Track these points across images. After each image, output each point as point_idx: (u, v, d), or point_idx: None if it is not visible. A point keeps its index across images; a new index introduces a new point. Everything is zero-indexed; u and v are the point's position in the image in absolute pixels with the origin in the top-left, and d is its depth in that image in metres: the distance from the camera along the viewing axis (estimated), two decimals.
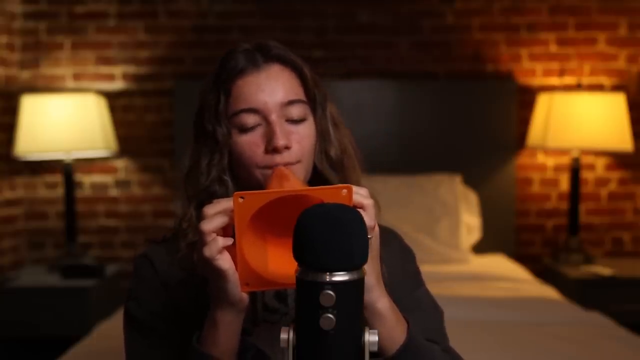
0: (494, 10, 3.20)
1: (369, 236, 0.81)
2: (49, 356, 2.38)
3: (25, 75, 3.17)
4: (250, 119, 1.03)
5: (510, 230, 3.19)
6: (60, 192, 3.15)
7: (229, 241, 0.83)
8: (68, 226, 2.96)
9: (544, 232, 3.27)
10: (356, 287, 0.71)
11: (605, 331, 2.02)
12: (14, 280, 2.82)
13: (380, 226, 0.96)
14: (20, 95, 2.91)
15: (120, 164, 3.21)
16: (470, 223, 2.97)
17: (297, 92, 1.06)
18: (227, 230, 0.85)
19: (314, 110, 1.08)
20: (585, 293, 2.73)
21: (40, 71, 3.17)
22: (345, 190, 0.80)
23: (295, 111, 1.05)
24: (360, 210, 0.81)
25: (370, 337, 0.73)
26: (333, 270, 0.70)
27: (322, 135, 1.09)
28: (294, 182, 0.95)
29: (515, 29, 3.20)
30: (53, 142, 2.82)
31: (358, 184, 1.02)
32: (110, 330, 2.06)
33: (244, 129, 1.03)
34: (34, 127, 2.81)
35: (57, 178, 3.17)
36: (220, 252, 0.83)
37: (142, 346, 1.05)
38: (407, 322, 0.94)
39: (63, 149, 2.85)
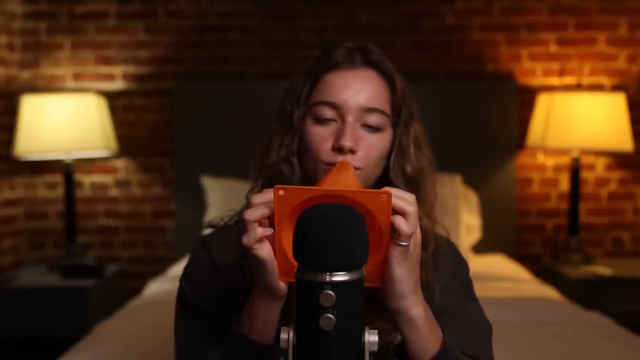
0: (494, 10, 3.20)
1: (405, 243, 0.81)
2: (49, 356, 2.38)
3: (25, 75, 3.17)
4: (327, 112, 1.05)
5: (510, 230, 3.18)
6: (60, 192, 3.15)
7: (268, 231, 0.84)
8: (68, 226, 2.96)
9: (544, 232, 3.27)
10: (356, 287, 0.71)
11: (605, 331, 2.01)
12: (14, 280, 2.82)
13: (438, 235, 0.97)
14: (20, 95, 2.91)
15: (120, 164, 3.21)
16: (470, 223, 2.96)
17: (382, 102, 1.06)
18: (272, 220, 0.85)
19: (395, 125, 1.09)
20: (585, 293, 2.73)
21: (40, 71, 3.17)
22: (384, 196, 0.78)
23: (373, 119, 1.05)
24: (400, 217, 0.81)
25: (370, 337, 0.74)
26: (333, 270, 0.70)
27: (400, 151, 1.09)
28: (351, 177, 0.95)
29: (515, 29, 3.20)
30: (53, 142, 2.82)
31: (430, 207, 1.05)
32: (110, 331, 2.06)
33: (319, 120, 1.05)
34: (34, 127, 2.81)
35: (57, 178, 3.17)
36: (258, 241, 0.83)
37: (189, 325, 1.08)
38: (444, 334, 0.93)
39: (63, 149, 2.84)
